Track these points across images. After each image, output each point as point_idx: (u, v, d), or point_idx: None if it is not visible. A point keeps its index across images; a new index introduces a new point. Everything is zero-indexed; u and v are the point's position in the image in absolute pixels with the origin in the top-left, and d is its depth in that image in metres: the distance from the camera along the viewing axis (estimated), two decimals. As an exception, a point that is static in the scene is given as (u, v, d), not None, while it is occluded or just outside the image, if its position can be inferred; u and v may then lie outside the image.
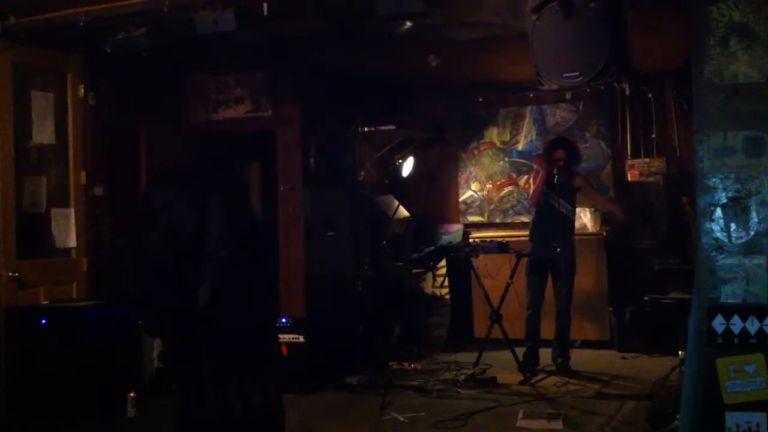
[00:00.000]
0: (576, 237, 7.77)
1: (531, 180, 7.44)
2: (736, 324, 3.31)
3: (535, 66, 5.01)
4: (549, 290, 6.90)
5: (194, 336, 2.97)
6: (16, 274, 5.67)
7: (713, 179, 3.35)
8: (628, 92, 7.97)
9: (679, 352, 5.41)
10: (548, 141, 7.39)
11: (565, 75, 4.89)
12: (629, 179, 8.12)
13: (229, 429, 2.96)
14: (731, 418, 3.29)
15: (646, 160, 8.07)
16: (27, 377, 5.50)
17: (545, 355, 6.92)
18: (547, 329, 6.93)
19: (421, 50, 6.58)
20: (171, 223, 2.98)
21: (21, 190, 5.88)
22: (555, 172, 6.66)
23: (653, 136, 8.05)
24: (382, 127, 7.86)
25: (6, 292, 5.62)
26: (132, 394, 5.57)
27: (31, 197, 5.99)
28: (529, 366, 6.71)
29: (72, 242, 6.20)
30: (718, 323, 3.33)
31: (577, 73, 4.84)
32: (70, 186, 6.24)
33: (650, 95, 8.03)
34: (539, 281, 6.81)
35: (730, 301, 3.33)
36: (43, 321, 5.54)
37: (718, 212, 3.36)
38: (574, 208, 6.95)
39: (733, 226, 3.34)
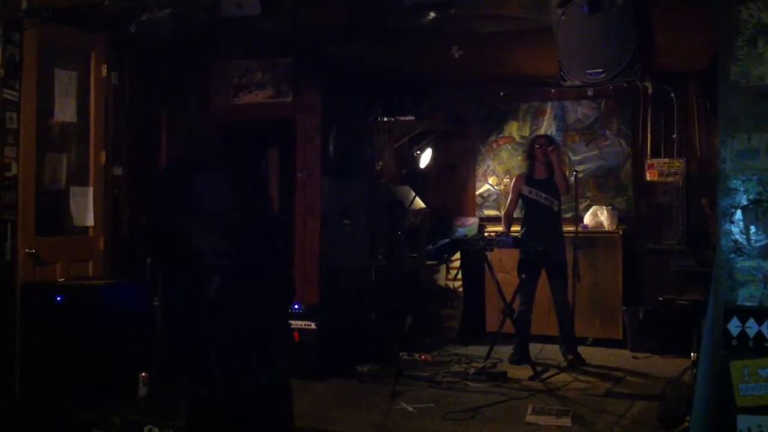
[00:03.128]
0: (592, 235, 7.80)
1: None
2: (752, 327, 3.29)
3: (558, 61, 4.99)
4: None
5: (200, 322, 2.99)
6: (34, 251, 5.70)
7: (735, 181, 3.32)
8: (650, 91, 7.96)
9: (692, 354, 5.40)
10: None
11: (588, 71, 4.88)
12: (648, 179, 8.07)
13: (238, 411, 2.98)
14: (743, 421, 3.27)
15: (666, 160, 8.03)
16: (41, 353, 5.52)
17: (554, 351, 6.94)
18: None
19: (444, 42, 6.56)
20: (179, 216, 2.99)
21: (41, 167, 5.91)
22: (534, 168, 6.98)
23: (674, 136, 8.00)
24: (402, 118, 7.86)
25: (23, 268, 5.65)
26: (144, 374, 5.61)
27: (51, 174, 6.02)
28: (520, 359, 6.79)
29: (90, 221, 6.23)
30: (734, 326, 3.31)
31: (600, 70, 4.83)
32: (90, 165, 6.27)
33: (673, 95, 7.97)
34: (531, 280, 6.88)
35: (747, 304, 3.31)
36: (59, 298, 5.57)
37: (739, 214, 3.33)
38: (559, 201, 7.01)
39: (753, 228, 3.31)
